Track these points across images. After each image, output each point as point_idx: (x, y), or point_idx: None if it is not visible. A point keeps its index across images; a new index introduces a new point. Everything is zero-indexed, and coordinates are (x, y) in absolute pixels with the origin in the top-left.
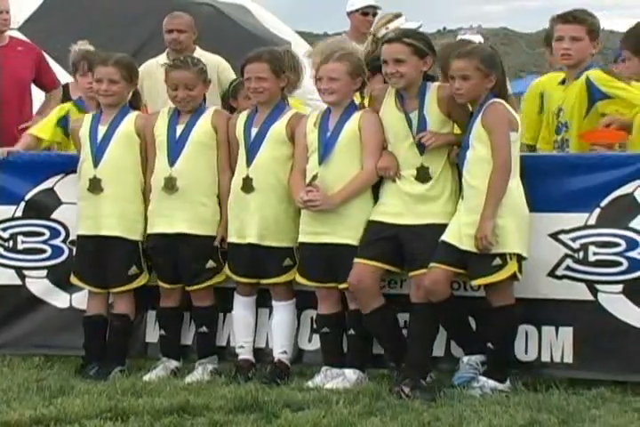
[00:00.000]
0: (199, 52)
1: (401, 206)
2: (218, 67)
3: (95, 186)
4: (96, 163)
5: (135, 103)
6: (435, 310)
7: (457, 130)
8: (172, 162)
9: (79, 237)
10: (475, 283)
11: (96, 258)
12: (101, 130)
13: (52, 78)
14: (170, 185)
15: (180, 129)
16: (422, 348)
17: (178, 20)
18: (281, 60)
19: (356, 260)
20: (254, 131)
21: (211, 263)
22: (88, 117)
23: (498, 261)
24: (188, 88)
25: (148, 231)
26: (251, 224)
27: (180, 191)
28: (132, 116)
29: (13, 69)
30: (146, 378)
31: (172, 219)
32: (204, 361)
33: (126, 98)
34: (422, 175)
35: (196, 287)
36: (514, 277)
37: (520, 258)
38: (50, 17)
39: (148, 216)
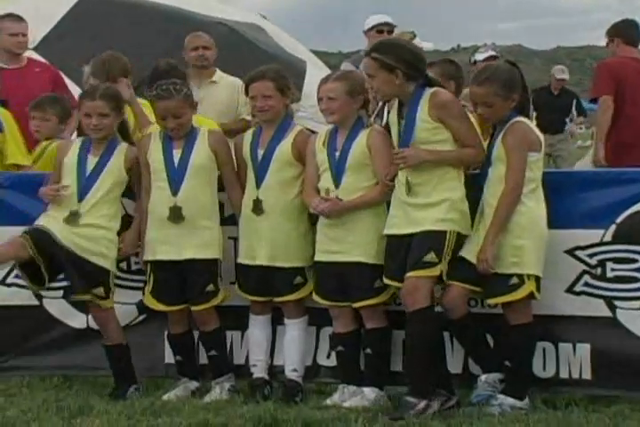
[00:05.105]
0: (219, 75)
1: (402, 216)
2: (237, 89)
3: (74, 218)
4: (81, 196)
5: (123, 131)
6: (428, 317)
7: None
8: (174, 191)
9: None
10: (491, 302)
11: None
12: (91, 161)
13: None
14: (175, 215)
15: (177, 155)
16: (416, 360)
17: (202, 38)
18: (285, 78)
19: (387, 281)
20: (260, 153)
21: (210, 287)
22: (76, 145)
23: (515, 280)
24: (177, 117)
25: (151, 258)
26: (261, 246)
27: (187, 219)
28: (122, 149)
29: (30, 91)
30: (165, 397)
31: (178, 247)
32: (220, 380)
33: (115, 128)
34: (408, 184)
35: (197, 308)
36: (531, 296)
37: (538, 278)
38: (66, 37)
39: (147, 243)
